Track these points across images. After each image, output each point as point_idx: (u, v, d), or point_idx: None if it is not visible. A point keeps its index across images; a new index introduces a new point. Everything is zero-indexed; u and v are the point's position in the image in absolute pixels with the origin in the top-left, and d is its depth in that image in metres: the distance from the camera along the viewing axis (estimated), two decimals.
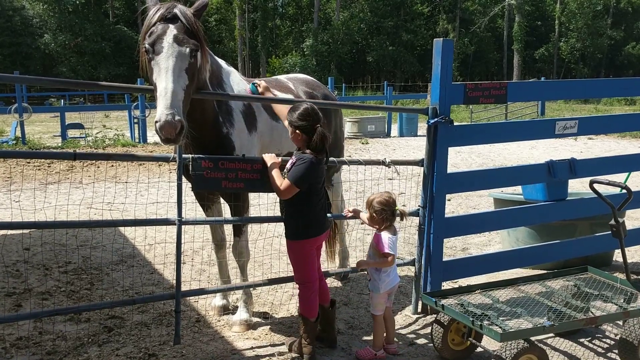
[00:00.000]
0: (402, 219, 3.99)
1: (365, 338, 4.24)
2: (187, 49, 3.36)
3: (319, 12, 51.83)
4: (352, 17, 51.49)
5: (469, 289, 4.14)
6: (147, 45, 3.34)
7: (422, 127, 21.93)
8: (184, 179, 3.84)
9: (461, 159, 13.95)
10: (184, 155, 3.68)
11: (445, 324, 3.85)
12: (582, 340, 4.24)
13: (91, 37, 45.24)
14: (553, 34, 56.85)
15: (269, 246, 5.85)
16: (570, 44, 55.67)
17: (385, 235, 3.85)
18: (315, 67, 46.68)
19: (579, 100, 37.88)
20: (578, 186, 7.90)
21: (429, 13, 55.74)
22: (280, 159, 3.87)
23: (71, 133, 17.51)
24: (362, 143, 17.90)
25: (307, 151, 3.65)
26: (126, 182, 10.25)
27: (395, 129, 21.33)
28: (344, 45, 49.77)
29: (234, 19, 52.71)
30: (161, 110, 3.16)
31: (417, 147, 16.88)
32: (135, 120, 17.28)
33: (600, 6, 55.23)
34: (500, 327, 3.43)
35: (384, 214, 3.85)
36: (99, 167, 11.97)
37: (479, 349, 3.95)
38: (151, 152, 14.47)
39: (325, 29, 50.54)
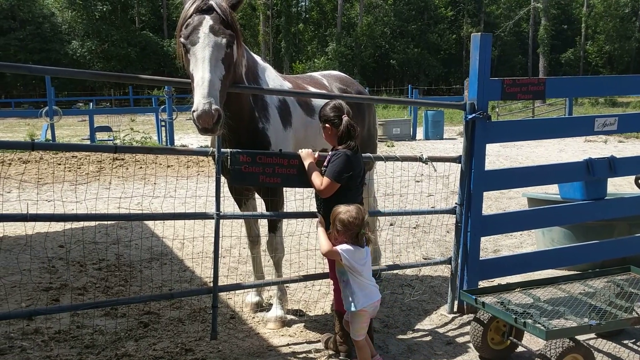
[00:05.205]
0: (366, 244, 3.61)
1: (400, 337, 4.18)
2: (224, 40, 3.35)
3: (343, 16, 51.85)
4: (376, 21, 51.37)
5: (508, 287, 4.05)
6: (183, 37, 3.35)
7: (448, 131, 21.74)
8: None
9: (489, 162, 13.67)
10: (222, 150, 3.67)
11: (485, 322, 3.77)
12: (625, 341, 4.11)
13: (117, 42, 46.06)
14: (579, 37, 55.98)
15: (299, 245, 5.82)
16: (597, 47, 54.74)
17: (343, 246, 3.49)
18: (339, 71, 46.62)
19: (606, 104, 37.29)
20: (609, 188, 7.71)
21: (453, 17, 55.35)
22: (317, 153, 3.85)
23: (99, 136, 17.76)
24: (388, 146, 17.80)
25: (339, 147, 3.70)
26: (155, 183, 10.34)
27: (420, 132, 21.16)
28: (367, 49, 49.64)
29: (257, 25, 53.04)
30: (198, 100, 3.15)
31: (443, 150, 16.73)
32: (163, 124, 17.46)
33: (628, 9, 54.26)
34: (543, 326, 3.34)
35: (349, 232, 3.46)
36: (127, 169, 12.11)
37: (519, 349, 3.86)
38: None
39: (349, 34, 50.51)
